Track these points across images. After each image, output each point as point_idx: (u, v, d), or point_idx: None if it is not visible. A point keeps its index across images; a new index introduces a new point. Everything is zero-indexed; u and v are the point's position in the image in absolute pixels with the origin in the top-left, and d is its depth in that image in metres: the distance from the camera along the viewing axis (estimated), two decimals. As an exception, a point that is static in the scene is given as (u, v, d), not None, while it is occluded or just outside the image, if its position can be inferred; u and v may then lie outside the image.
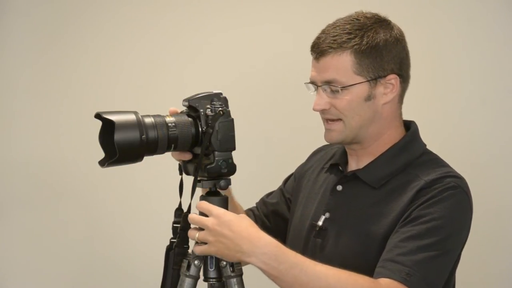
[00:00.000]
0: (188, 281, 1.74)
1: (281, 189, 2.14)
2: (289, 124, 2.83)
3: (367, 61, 1.82)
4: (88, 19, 2.86)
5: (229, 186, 1.78)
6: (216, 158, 1.74)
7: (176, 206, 1.80)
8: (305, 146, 2.18)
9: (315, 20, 2.02)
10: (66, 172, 2.87)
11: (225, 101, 1.76)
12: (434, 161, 1.88)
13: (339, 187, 1.91)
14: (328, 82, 1.83)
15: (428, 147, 1.92)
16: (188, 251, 1.77)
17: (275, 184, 2.18)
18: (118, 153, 1.65)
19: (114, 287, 2.90)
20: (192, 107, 1.75)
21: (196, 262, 1.73)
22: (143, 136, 1.68)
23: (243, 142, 1.90)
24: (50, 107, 2.87)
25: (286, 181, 2.15)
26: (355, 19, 1.84)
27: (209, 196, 1.76)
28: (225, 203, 1.76)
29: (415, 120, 1.95)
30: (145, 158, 1.71)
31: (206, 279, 1.76)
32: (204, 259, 1.75)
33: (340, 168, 1.95)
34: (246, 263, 1.70)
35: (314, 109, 1.87)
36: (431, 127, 2.36)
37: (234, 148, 1.77)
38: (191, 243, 1.76)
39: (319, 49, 1.83)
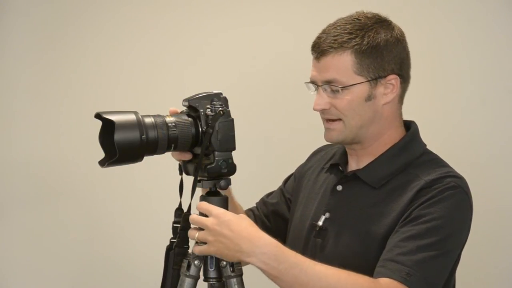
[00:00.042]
0: (188, 281, 1.73)
1: (281, 189, 2.14)
2: (289, 124, 2.83)
3: (367, 61, 1.81)
4: (88, 19, 2.86)
5: (229, 186, 1.78)
6: (216, 158, 1.74)
7: (176, 206, 1.80)
8: (305, 146, 2.18)
9: (315, 20, 2.02)
10: (66, 172, 2.87)
11: (225, 101, 1.76)
12: (434, 161, 1.88)
13: (339, 187, 1.91)
14: (329, 82, 1.83)
15: (428, 147, 1.92)
16: (188, 251, 1.77)
17: (275, 184, 2.18)
18: (118, 153, 1.65)
19: (114, 287, 2.90)
20: (192, 107, 1.75)
21: (196, 262, 1.73)
22: (143, 136, 1.68)
23: (243, 142, 1.90)
24: (50, 107, 2.87)
25: (286, 181, 2.15)
26: (356, 19, 1.84)
27: (209, 196, 1.76)
28: (225, 203, 1.76)
29: (415, 120, 1.95)
30: (145, 158, 1.71)
31: (206, 279, 1.76)
32: (204, 259, 1.74)
33: (340, 168, 1.95)
34: (246, 263, 1.70)
35: (314, 109, 1.87)
36: (431, 127, 2.36)
37: (234, 148, 1.77)
38: (191, 243, 1.76)
39: (319, 49, 1.83)
